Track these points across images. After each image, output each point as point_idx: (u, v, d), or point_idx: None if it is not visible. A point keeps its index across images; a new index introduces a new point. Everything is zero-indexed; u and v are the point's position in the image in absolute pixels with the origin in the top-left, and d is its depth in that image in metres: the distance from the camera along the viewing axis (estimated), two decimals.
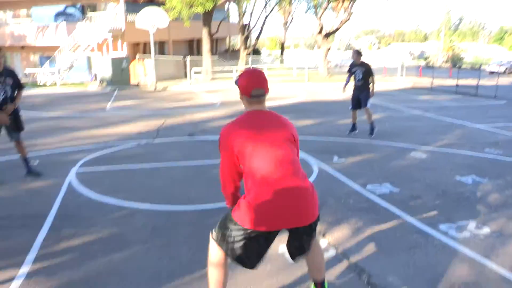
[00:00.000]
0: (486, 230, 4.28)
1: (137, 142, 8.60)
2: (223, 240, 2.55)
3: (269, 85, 2.72)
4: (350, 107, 9.35)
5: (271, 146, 2.47)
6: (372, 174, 6.25)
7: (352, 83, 9.23)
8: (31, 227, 4.37)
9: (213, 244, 2.62)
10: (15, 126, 6.01)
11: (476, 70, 22.78)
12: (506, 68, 37.36)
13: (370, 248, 3.90)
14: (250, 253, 2.54)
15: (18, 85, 5.96)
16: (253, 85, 2.60)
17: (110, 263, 3.64)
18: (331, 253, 3.81)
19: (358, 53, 9.09)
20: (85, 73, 27.81)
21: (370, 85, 8.97)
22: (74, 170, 6.49)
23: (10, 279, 3.37)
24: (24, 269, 3.54)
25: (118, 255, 3.78)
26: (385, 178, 6.05)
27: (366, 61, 9.14)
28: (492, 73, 33.18)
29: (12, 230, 4.33)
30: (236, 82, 2.69)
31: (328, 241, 4.04)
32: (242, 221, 2.45)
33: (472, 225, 4.39)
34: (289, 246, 2.73)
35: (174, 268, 3.55)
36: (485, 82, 21.21)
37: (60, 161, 7.12)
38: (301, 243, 2.67)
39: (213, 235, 2.63)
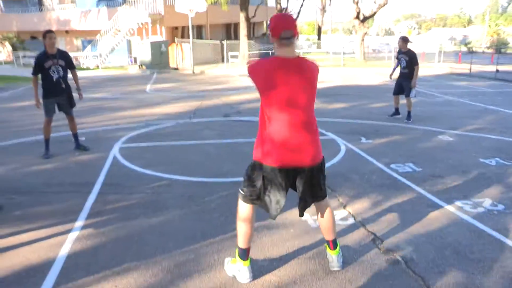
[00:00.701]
0: (501, 207, 4.50)
1: (175, 121, 9.11)
2: (247, 185, 2.96)
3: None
4: (393, 91, 9.54)
5: (290, 92, 2.75)
6: (397, 154, 6.50)
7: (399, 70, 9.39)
8: (81, 192, 4.91)
9: (240, 201, 3.04)
10: (69, 103, 6.63)
11: None
12: None
13: (387, 218, 4.21)
14: (269, 197, 2.89)
15: (70, 66, 6.55)
16: (282, 26, 2.75)
17: (150, 224, 4.11)
18: (350, 221, 4.15)
19: (404, 40, 9.17)
20: (125, 56, 28.72)
21: (414, 76, 9.00)
22: (117, 146, 7.05)
23: (67, 231, 3.91)
24: (78, 223, 4.08)
25: (157, 217, 4.25)
26: (409, 158, 6.30)
27: (411, 49, 9.18)
28: None
29: (65, 195, 4.89)
30: (268, 26, 2.91)
31: (348, 211, 4.38)
32: (259, 157, 2.87)
33: (487, 202, 4.62)
34: (300, 196, 2.99)
35: (207, 229, 3.98)
36: None
37: (104, 138, 7.71)
38: (309, 187, 2.93)
39: (240, 191, 3.04)
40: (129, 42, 28.45)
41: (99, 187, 5.10)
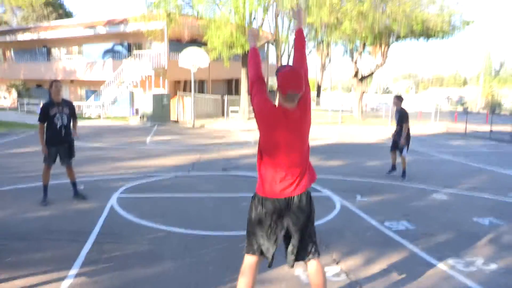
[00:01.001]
0: (493, 266, 4.55)
1: (174, 174, 9.23)
2: (248, 224, 3.27)
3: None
4: (390, 149, 9.79)
5: (286, 139, 3.01)
6: (391, 212, 6.58)
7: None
8: (77, 240, 4.95)
9: (245, 255, 3.23)
10: (69, 153, 6.79)
11: None
12: None
13: (379, 276, 4.24)
14: (267, 236, 3.13)
15: (73, 116, 6.78)
16: (289, 87, 2.92)
17: (146, 274, 4.14)
18: (342, 278, 4.18)
19: (397, 98, 9.55)
20: (127, 107, 29.29)
21: (403, 134, 9.21)
22: (115, 196, 7.14)
23: (61, 279, 3.94)
24: (72, 271, 4.12)
25: (153, 268, 4.29)
26: (403, 216, 6.37)
27: (403, 108, 9.44)
28: None
29: (61, 242, 4.93)
30: (276, 74, 3.02)
31: (341, 268, 4.42)
32: (259, 190, 3.14)
33: (479, 261, 4.67)
34: (287, 244, 3.19)
35: (202, 281, 4.01)
36: None
37: (103, 187, 7.81)
38: (297, 233, 3.13)
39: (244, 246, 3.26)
40: (132, 93, 29.11)
41: (95, 236, 5.15)
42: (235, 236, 5.29)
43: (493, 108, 43.98)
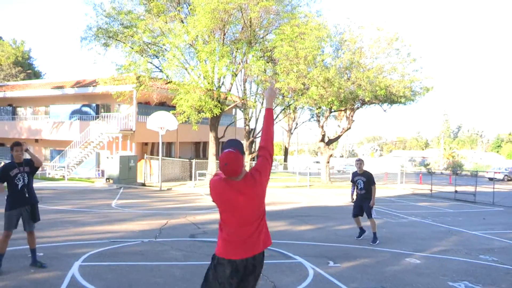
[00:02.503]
0: None
1: (140, 240, 8.83)
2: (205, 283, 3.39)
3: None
4: (352, 214, 9.62)
5: (239, 212, 3.36)
6: (366, 279, 6.41)
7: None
8: None
9: None
10: (33, 215, 6.47)
11: (475, 177, 23.30)
12: (505, 175, 38.03)
13: None
14: None
15: (33, 170, 6.55)
16: (226, 173, 3.32)
17: None
18: None
19: (360, 162, 9.52)
20: (93, 169, 28.63)
21: (373, 194, 9.22)
22: (77, 264, 6.70)
23: None
24: None
25: None
26: (378, 282, 6.22)
27: (368, 170, 9.52)
28: (491, 179, 33.73)
29: None
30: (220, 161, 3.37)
31: None
32: (219, 253, 3.37)
33: None
34: None
35: None
36: (484, 189, 21.65)
37: (64, 254, 7.34)
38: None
39: None
40: (98, 155, 28.56)
41: None
42: None
43: (455, 170, 45.37)
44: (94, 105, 30.13)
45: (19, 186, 6.31)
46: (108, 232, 9.55)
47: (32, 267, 6.42)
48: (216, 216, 12.75)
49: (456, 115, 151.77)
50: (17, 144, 6.39)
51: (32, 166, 6.54)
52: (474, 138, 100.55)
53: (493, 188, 19.31)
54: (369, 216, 9.24)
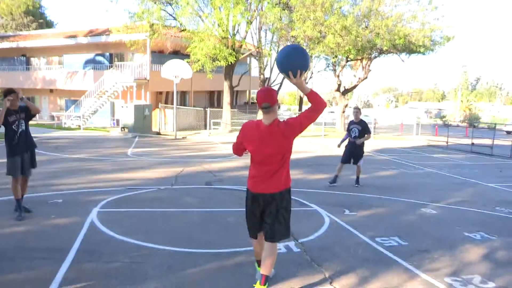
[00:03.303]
0: (491, 284, 4.40)
1: (156, 187, 8.93)
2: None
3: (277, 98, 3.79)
4: (341, 159, 9.83)
5: (261, 149, 3.84)
6: (381, 228, 6.42)
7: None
8: (54, 259, 4.64)
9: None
10: (31, 162, 6.51)
11: (492, 130, 22.93)
12: None
13: None
14: (251, 219, 4.04)
15: (29, 116, 6.45)
16: (262, 100, 3.75)
17: None
18: None
19: (357, 111, 9.72)
20: (108, 118, 28.79)
21: (364, 138, 9.56)
22: (96, 210, 6.81)
23: None
24: None
25: None
26: (394, 231, 6.21)
27: (364, 120, 9.76)
28: (509, 133, 33.23)
29: (36, 261, 4.60)
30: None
31: (334, 287, 4.21)
32: (247, 185, 4.03)
33: (477, 279, 4.52)
34: (264, 224, 3.98)
35: None
36: (501, 142, 21.34)
37: (82, 201, 7.46)
38: (270, 217, 3.91)
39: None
40: (112, 104, 28.62)
41: (73, 254, 4.83)
42: (222, 254, 5.05)
43: (472, 122, 44.71)
44: (107, 54, 29.86)
45: (18, 132, 6.27)
46: (125, 180, 9.66)
47: (15, 211, 6.32)
48: (231, 164, 12.86)
49: (475, 67, 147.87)
50: (11, 91, 6.20)
51: (28, 113, 6.43)
52: (492, 91, 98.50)
53: (511, 141, 19.00)
54: (357, 162, 9.66)
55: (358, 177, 9.80)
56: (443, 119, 54.32)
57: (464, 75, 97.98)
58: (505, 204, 8.50)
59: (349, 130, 9.74)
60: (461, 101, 65.78)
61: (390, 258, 5.07)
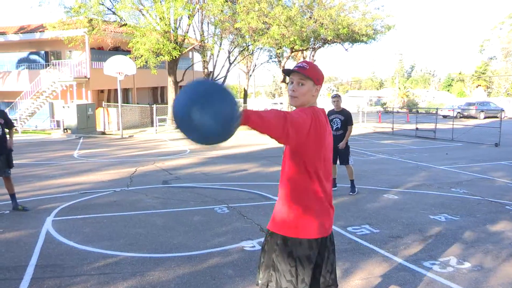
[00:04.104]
0: (467, 264, 4.46)
1: (111, 190, 8.47)
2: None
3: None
4: None
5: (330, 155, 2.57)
6: (350, 217, 6.41)
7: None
8: (11, 279, 4.21)
9: None
10: (7, 163, 6.73)
11: (430, 115, 23.93)
12: (458, 113, 39.44)
13: (361, 286, 3.98)
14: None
15: (8, 124, 6.71)
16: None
17: None
18: None
19: (337, 99, 8.01)
20: (48, 120, 27.34)
21: (346, 137, 7.98)
22: (50, 219, 6.32)
23: None
24: None
25: None
26: (363, 219, 6.22)
27: (346, 108, 8.25)
28: (445, 116, 34.88)
29: None
30: (309, 73, 2.45)
31: None
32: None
33: (453, 260, 4.57)
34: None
35: None
36: (442, 125, 22.30)
37: (33, 210, 6.89)
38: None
39: None
40: (51, 105, 27.17)
41: (32, 271, 4.41)
42: (195, 256, 4.80)
43: (411, 108, 46.55)
44: (42, 52, 28.24)
45: None
46: (76, 184, 9.11)
47: (15, 211, 6.60)
48: (184, 161, 12.50)
49: (409, 55, 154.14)
50: None
51: (5, 119, 6.63)
52: (426, 78, 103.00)
53: (453, 124, 19.87)
54: (345, 162, 8.01)
55: (352, 182, 8.05)
56: (383, 106, 56.16)
57: (400, 63, 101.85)
58: (458, 185, 8.80)
59: (329, 121, 8.03)
60: (399, 88, 68.34)
61: (366, 247, 5.04)
